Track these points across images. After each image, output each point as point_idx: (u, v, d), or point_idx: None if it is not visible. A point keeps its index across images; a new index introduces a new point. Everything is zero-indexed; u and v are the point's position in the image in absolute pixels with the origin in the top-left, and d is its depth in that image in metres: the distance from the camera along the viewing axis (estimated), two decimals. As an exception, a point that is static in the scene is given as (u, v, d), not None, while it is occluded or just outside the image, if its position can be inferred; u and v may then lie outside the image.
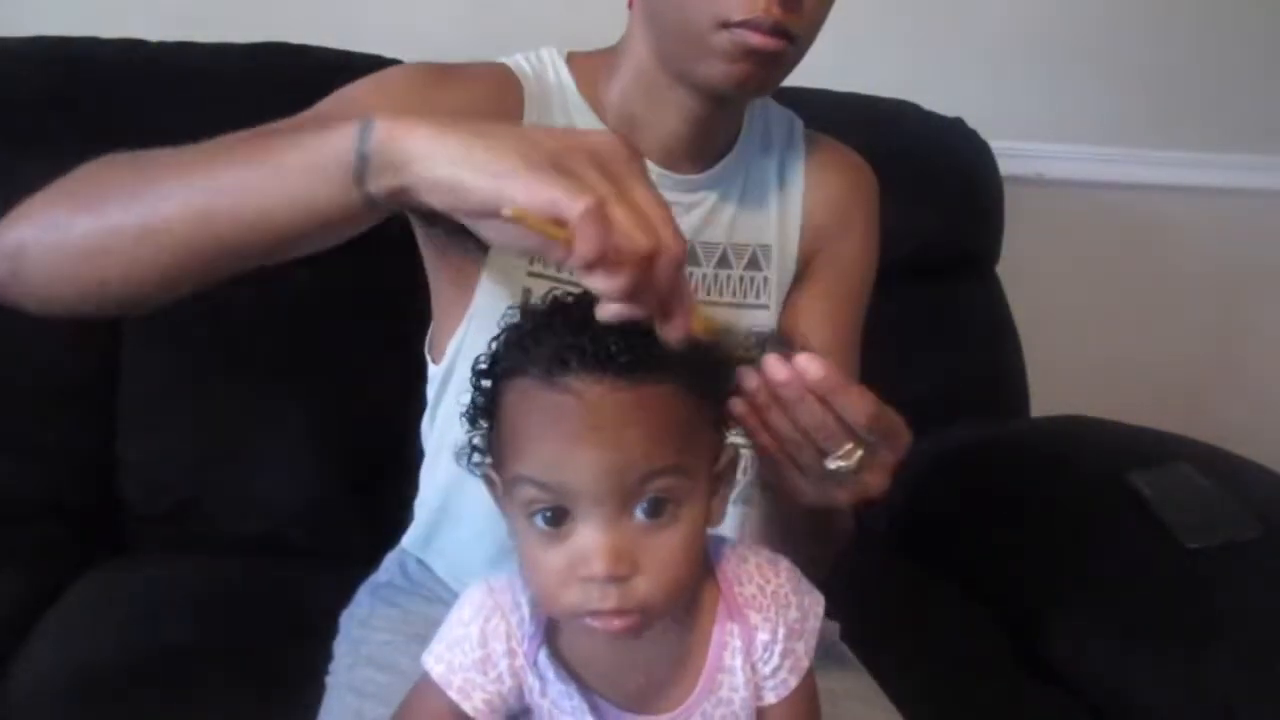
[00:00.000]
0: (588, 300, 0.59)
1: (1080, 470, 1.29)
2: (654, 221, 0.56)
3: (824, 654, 0.86)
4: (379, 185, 0.57)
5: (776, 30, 0.75)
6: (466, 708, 0.65)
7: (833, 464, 0.64)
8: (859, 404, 0.62)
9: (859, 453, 0.64)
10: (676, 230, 0.57)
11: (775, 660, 0.67)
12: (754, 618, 0.67)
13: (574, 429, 0.58)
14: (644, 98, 0.85)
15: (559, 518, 0.59)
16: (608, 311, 0.56)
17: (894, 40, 1.59)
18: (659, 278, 0.56)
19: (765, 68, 0.78)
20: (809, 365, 0.62)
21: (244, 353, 1.23)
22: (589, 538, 0.59)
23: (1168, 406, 1.61)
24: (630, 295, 0.55)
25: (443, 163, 0.56)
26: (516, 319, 0.63)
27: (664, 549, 0.60)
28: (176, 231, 0.61)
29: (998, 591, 1.24)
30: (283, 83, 1.25)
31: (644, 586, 0.60)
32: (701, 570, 0.66)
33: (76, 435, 1.21)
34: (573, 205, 0.53)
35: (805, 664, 0.69)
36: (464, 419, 0.64)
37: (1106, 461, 1.27)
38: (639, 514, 0.59)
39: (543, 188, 0.54)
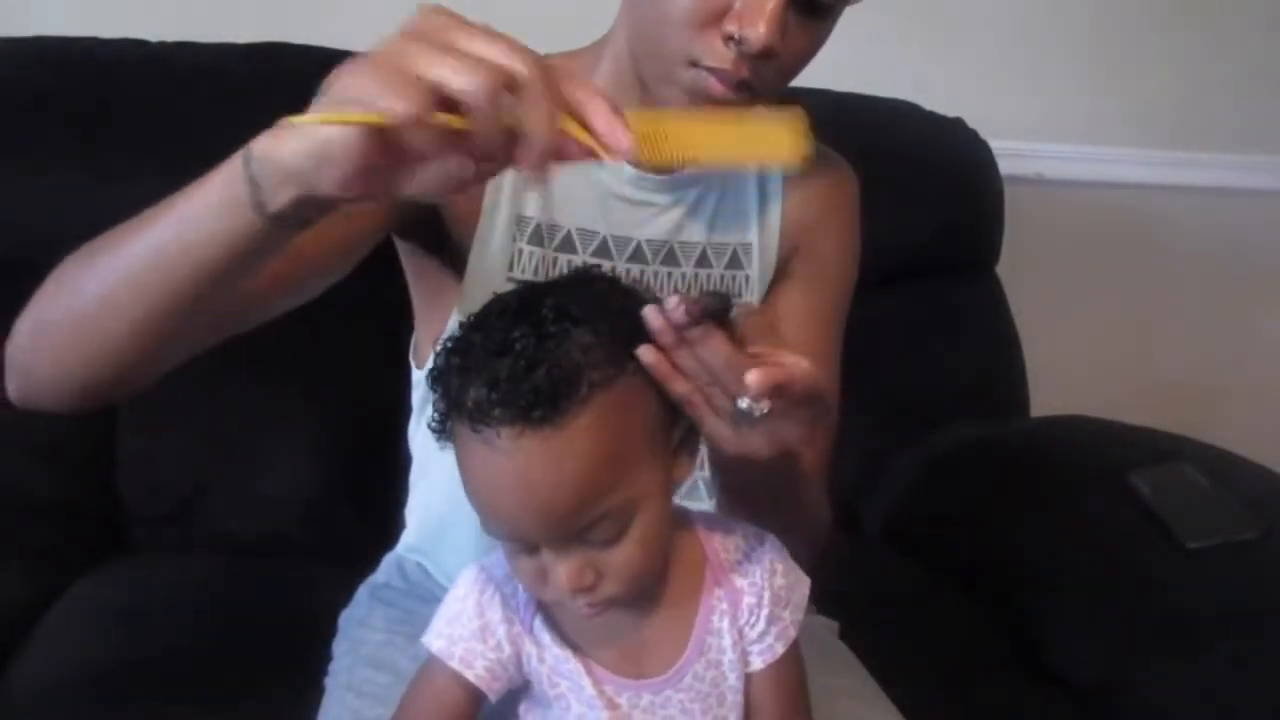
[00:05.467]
0: (510, 314, 0.60)
1: (1080, 470, 1.29)
2: (485, 60, 0.51)
3: (824, 653, 0.86)
4: (278, 201, 0.56)
5: (740, 85, 0.75)
6: (470, 676, 0.67)
7: (743, 404, 0.61)
8: (766, 382, 0.59)
9: (767, 400, 0.61)
10: (521, 50, 0.52)
11: (761, 625, 0.69)
12: (740, 582, 0.69)
13: (507, 485, 0.60)
14: (622, 95, 0.84)
15: (527, 547, 0.63)
16: (535, 184, 0.54)
17: (894, 40, 1.59)
18: (529, 112, 0.51)
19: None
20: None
21: (244, 353, 1.22)
22: (551, 561, 0.62)
23: (1168, 406, 1.61)
24: (504, 139, 0.52)
25: (308, 151, 0.54)
26: (457, 334, 0.63)
27: (623, 557, 0.63)
28: (123, 305, 0.62)
29: (998, 591, 1.24)
30: (283, 83, 1.24)
31: (610, 589, 0.63)
32: (668, 546, 0.68)
33: (76, 435, 1.21)
34: (389, 99, 0.50)
35: (792, 633, 0.70)
36: (432, 432, 0.64)
37: (1106, 461, 1.27)
38: (593, 538, 0.62)
39: (359, 89, 0.51)
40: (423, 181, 0.55)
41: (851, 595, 0.96)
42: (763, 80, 0.76)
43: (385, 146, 0.52)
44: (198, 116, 1.24)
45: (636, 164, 0.55)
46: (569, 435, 0.58)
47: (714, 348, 0.60)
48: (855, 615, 0.96)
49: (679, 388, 0.62)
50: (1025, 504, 1.28)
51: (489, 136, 0.51)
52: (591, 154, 0.54)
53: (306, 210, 0.56)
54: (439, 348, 0.63)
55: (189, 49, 1.29)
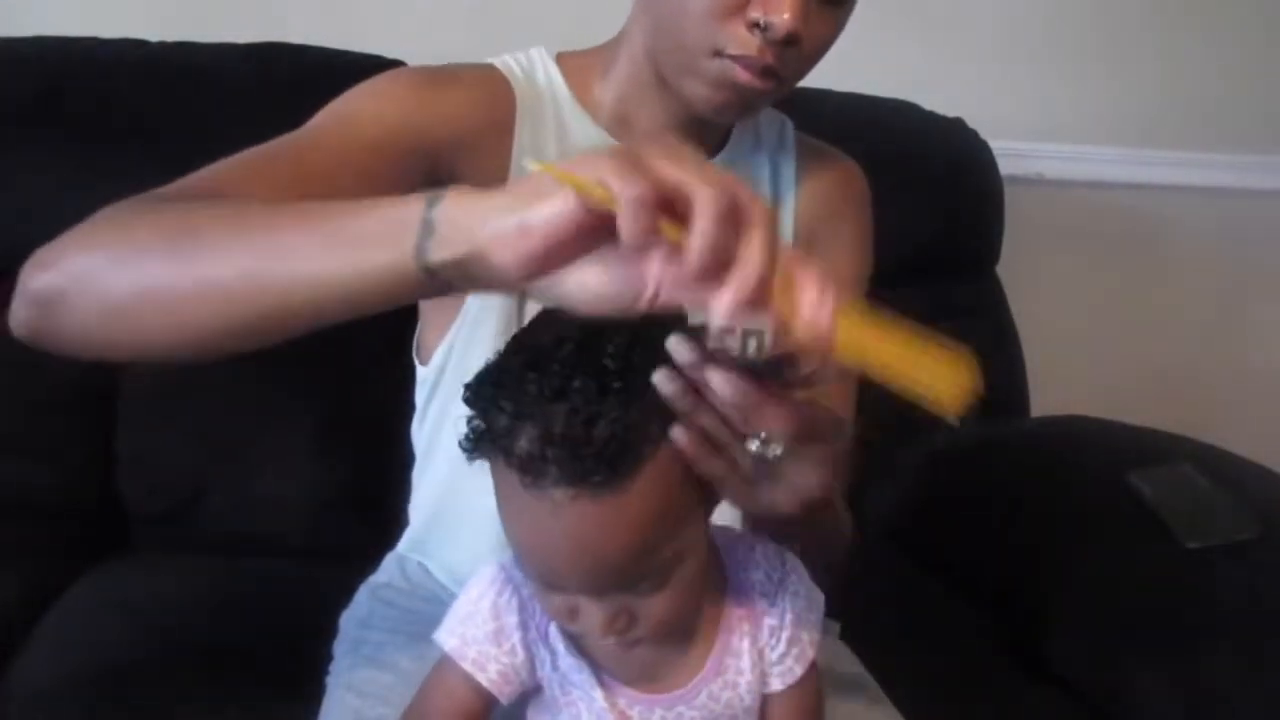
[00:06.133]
0: (570, 353, 0.56)
1: (1080, 470, 1.29)
2: (727, 181, 0.50)
3: (824, 654, 0.86)
4: (442, 254, 0.53)
5: (766, 72, 0.75)
6: (481, 679, 0.66)
7: (753, 445, 0.59)
8: (778, 417, 0.58)
9: (779, 444, 0.59)
10: (755, 194, 0.51)
11: (782, 647, 0.69)
12: (761, 603, 0.69)
13: (554, 540, 0.58)
14: (636, 95, 0.85)
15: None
16: (718, 318, 0.49)
17: (894, 40, 1.59)
18: (752, 246, 0.49)
19: (745, 102, 0.79)
20: (720, 384, 0.56)
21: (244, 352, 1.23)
22: (585, 603, 0.61)
23: (1168, 406, 1.61)
24: (714, 265, 0.49)
25: (510, 211, 0.52)
26: (496, 362, 0.60)
27: (660, 606, 0.62)
28: (225, 294, 0.59)
29: (998, 591, 1.24)
30: (283, 83, 1.25)
31: (642, 632, 0.62)
32: (705, 586, 0.67)
33: (76, 435, 1.21)
34: (621, 177, 0.48)
35: (811, 654, 0.70)
36: (462, 450, 0.62)
37: (1106, 461, 1.27)
38: (633, 590, 0.61)
39: (594, 168, 0.49)
40: (587, 284, 0.52)
41: (852, 595, 0.96)
42: (786, 67, 0.76)
43: (579, 237, 0.51)
44: (198, 116, 1.24)
45: (819, 353, 0.53)
46: (625, 499, 0.57)
47: (722, 385, 0.57)
48: (855, 615, 0.96)
49: (679, 439, 0.59)
50: (1025, 504, 1.28)
51: (703, 250, 0.48)
52: (784, 326, 0.50)
53: (459, 274, 0.54)
54: (481, 370, 0.61)
55: (189, 49, 1.29)
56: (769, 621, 0.68)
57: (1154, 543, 1.13)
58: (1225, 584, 1.09)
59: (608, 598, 0.61)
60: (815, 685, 0.71)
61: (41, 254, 0.63)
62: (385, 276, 0.55)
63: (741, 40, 0.74)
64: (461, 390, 0.62)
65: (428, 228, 0.54)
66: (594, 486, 0.56)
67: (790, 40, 0.73)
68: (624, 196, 0.48)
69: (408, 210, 0.55)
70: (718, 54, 0.75)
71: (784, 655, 0.69)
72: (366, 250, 0.56)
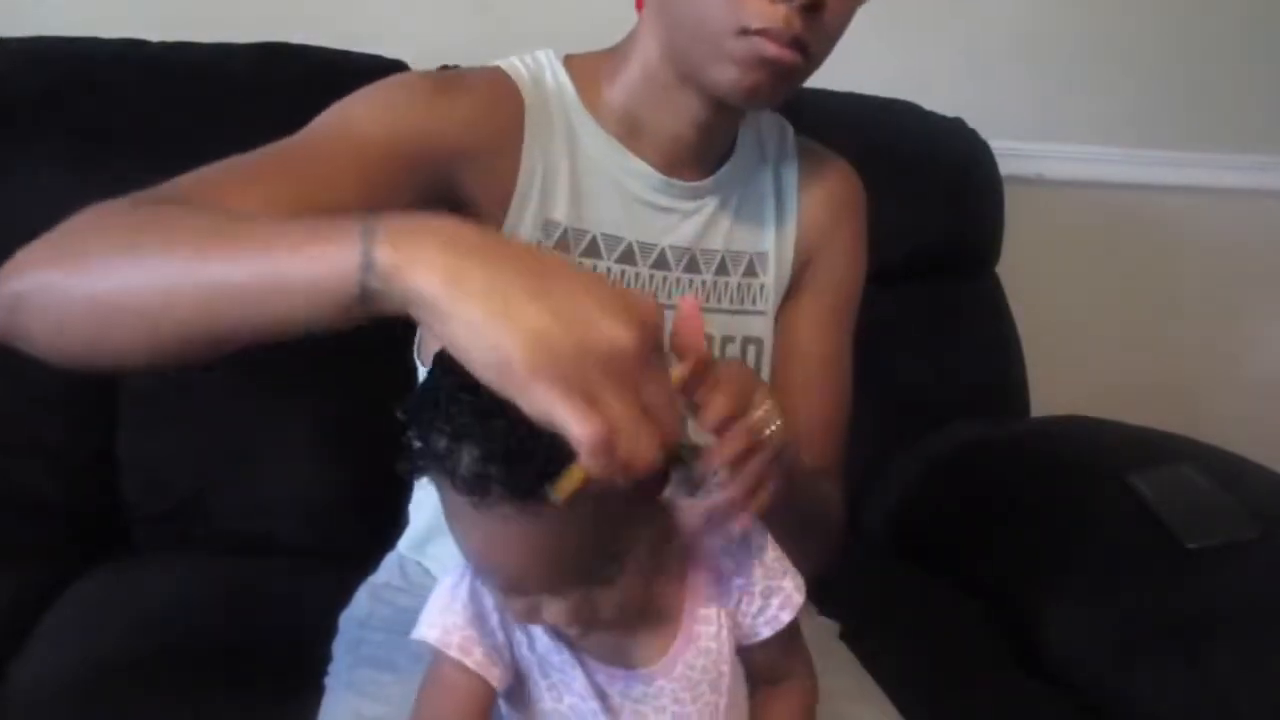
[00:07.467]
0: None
1: (1080, 470, 1.29)
2: (663, 428, 0.53)
3: (823, 654, 0.86)
4: (383, 307, 0.54)
5: (794, 43, 0.75)
6: (469, 663, 0.67)
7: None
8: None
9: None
10: (680, 433, 0.55)
11: (759, 600, 0.69)
12: (726, 563, 0.69)
13: (508, 547, 0.59)
14: (649, 101, 0.85)
15: None
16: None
17: (894, 40, 1.59)
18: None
19: (777, 79, 0.78)
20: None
21: (244, 351, 1.23)
22: (546, 600, 0.62)
23: (1168, 406, 1.61)
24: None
25: (447, 320, 0.52)
26: (429, 383, 0.59)
27: (618, 593, 0.62)
28: (172, 317, 0.59)
29: (998, 591, 1.24)
30: (283, 83, 1.26)
31: (605, 617, 0.63)
32: (662, 561, 0.68)
33: (76, 435, 1.21)
34: (581, 431, 0.50)
35: (798, 599, 0.70)
36: (400, 471, 0.61)
37: (1106, 461, 1.27)
38: (589, 582, 0.62)
39: (551, 405, 0.50)
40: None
41: (851, 596, 0.96)
42: (812, 36, 0.76)
43: None
44: (198, 117, 1.24)
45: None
46: (573, 510, 0.56)
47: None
48: (855, 616, 0.96)
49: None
50: (1025, 504, 1.28)
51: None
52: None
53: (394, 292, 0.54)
54: (415, 393, 0.60)
55: (189, 49, 1.29)
56: (736, 580, 0.69)
57: (1154, 543, 1.13)
58: (1225, 584, 1.09)
59: (565, 596, 0.61)
60: (796, 630, 0.72)
61: (16, 258, 0.63)
62: (330, 321, 0.56)
63: (765, 13, 0.74)
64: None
65: (366, 291, 0.54)
66: (539, 499, 0.56)
67: (815, 5, 0.73)
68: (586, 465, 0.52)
69: (346, 265, 0.54)
70: (744, 32, 0.75)
71: (764, 606, 0.69)
72: (308, 299, 0.55)
